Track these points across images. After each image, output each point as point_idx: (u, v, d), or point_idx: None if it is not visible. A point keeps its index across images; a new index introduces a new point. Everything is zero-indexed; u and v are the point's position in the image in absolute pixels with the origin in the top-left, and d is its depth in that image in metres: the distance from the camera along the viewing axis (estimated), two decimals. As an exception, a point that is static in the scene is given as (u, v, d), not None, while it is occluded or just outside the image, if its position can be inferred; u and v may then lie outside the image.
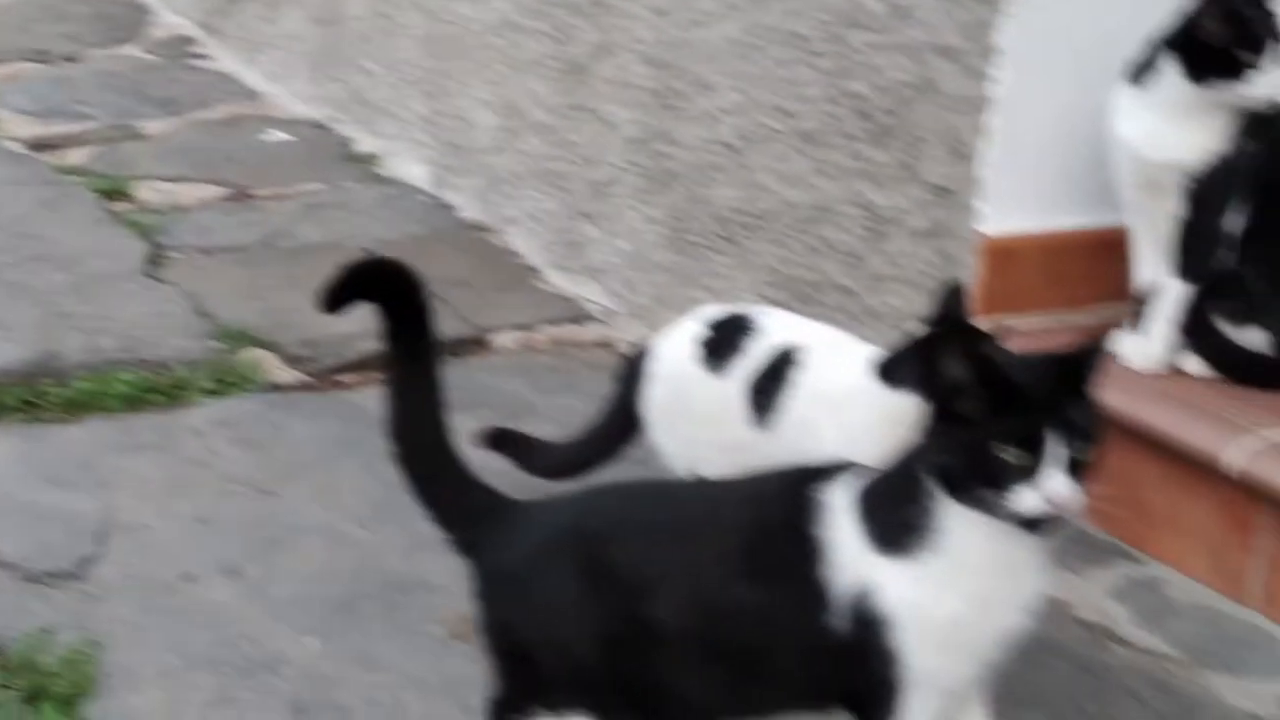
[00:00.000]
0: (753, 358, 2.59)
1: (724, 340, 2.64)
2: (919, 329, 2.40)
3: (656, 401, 2.73)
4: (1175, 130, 2.83)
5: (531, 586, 2.03)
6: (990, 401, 1.86)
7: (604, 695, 2.02)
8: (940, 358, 1.88)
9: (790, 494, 2.01)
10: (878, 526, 1.93)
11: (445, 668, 2.45)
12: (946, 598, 1.90)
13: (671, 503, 2.14)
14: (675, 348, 2.72)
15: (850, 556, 1.93)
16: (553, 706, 2.02)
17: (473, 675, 2.24)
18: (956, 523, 1.90)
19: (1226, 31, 2.73)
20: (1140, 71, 2.88)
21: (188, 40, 5.56)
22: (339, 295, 2.00)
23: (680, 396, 2.69)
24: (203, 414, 3.28)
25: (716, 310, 2.73)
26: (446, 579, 2.71)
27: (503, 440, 2.93)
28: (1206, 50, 2.76)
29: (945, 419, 1.90)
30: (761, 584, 1.98)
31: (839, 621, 1.93)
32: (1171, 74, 2.81)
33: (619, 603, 2.00)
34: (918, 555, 1.90)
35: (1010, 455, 1.83)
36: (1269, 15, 2.76)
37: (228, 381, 3.41)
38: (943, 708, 1.97)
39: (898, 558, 1.91)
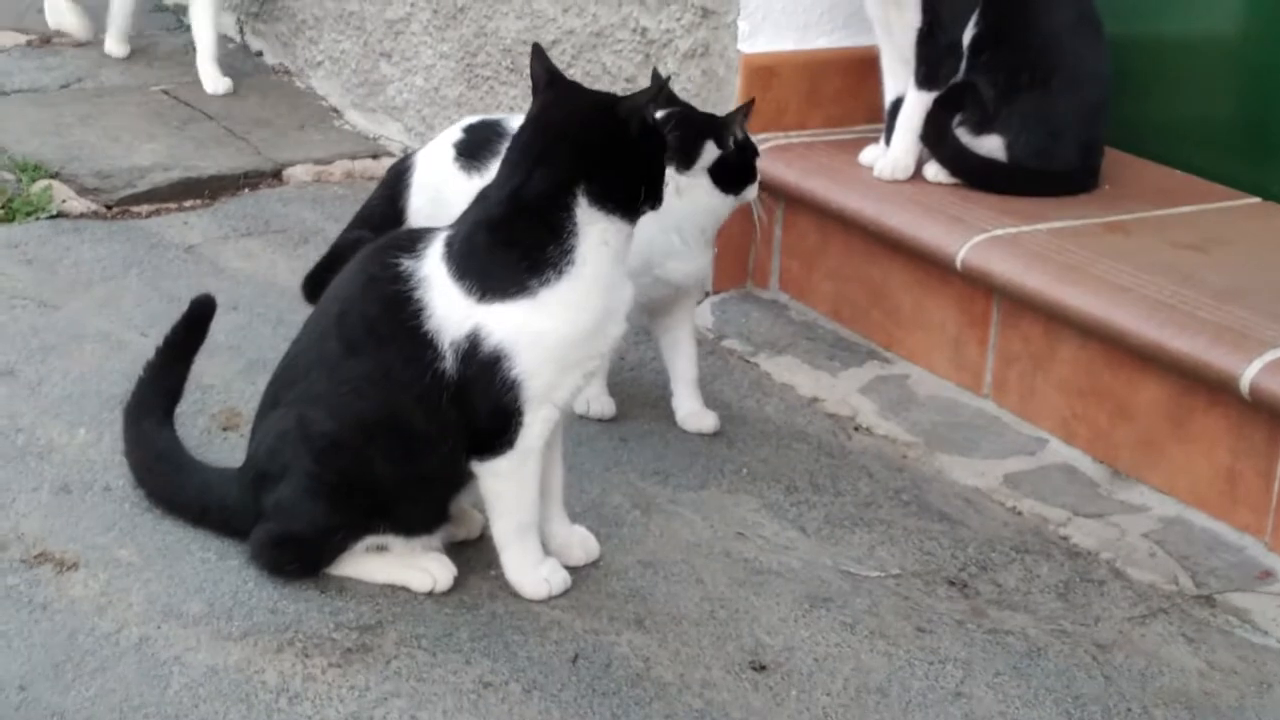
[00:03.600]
0: None
1: (480, 143, 2.75)
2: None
3: (418, 209, 2.84)
4: None
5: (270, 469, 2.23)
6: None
7: (356, 516, 2.23)
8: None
9: (376, 267, 2.18)
10: (479, 277, 2.11)
11: (212, 452, 2.54)
12: (570, 320, 2.11)
13: (308, 325, 2.29)
14: (434, 156, 2.82)
15: (449, 308, 2.11)
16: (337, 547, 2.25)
17: (236, 458, 2.36)
18: (588, 249, 2.11)
19: None
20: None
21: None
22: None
23: (440, 201, 2.79)
24: (-10, 238, 3.33)
25: (472, 119, 2.84)
26: (218, 380, 2.82)
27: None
28: None
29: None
30: (363, 354, 2.16)
31: (452, 367, 2.12)
32: None
33: (318, 433, 2.19)
34: (532, 292, 2.09)
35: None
36: None
37: (18, 209, 3.45)
38: (554, 418, 2.18)
39: (505, 300, 2.10)
